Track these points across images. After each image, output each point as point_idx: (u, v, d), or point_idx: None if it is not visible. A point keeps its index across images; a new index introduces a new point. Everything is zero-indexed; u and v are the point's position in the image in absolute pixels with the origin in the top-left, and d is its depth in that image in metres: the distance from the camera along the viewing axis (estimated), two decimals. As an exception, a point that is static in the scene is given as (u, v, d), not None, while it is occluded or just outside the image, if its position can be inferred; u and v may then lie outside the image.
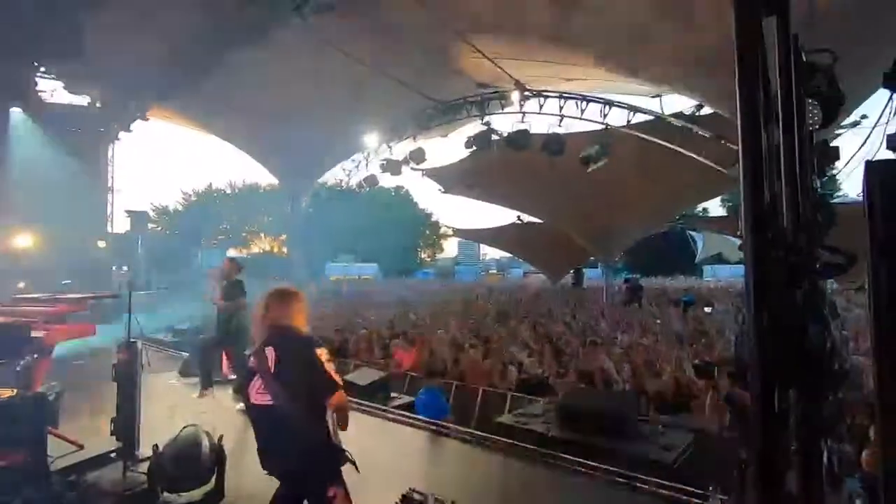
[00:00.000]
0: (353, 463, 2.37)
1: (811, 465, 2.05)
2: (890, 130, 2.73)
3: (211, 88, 12.24)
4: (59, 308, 3.98)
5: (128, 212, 15.41)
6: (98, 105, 13.60)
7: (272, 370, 2.28)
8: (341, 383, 2.31)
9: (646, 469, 3.81)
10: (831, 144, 3.05)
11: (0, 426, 2.91)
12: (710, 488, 3.15)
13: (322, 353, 2.31)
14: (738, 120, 1.76)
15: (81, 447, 3.58)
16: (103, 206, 14.11)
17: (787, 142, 2.13)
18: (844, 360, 3.53)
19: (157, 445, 3.07)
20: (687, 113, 11.69)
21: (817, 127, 2.61)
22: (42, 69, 11.58)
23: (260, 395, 2.30)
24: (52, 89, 13.19)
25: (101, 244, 12.07)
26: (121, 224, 16.02)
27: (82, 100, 13.71)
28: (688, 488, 3.46)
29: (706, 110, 11.03)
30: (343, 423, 2.38)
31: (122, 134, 14.26)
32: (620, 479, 3.72)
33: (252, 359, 2.39)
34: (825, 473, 2.43)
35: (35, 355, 3.57)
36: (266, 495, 2.52)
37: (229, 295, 6.11)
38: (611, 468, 3.82)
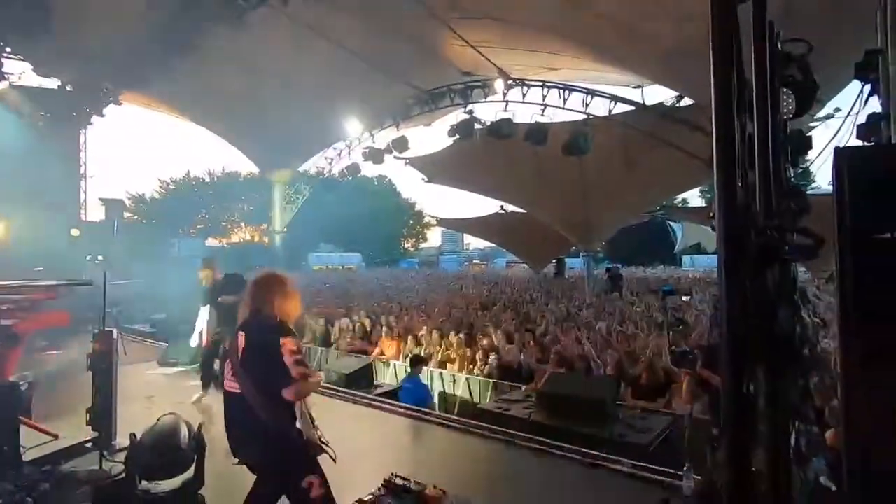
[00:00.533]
0: (329, 454, 2.34)
1: (778, 445, 2.13)
2: (861, 121, 2.81)
3: (187, 73, 11.93)
4: (30, 296, 3.87)
5: (102, 199, 14.95)
6: (69, 88, 13.13)
7: (240, 356, 2.25)
8: (301, 374, 2.18)
9: (623, 452, 3.90)
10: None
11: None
12: (685, 468, 3.24)
13: (287, 342, 2.20)
14: (711, 106, 1.79)
15: (56, 437, 3.52)
16: (76, 193, 13.70)
17: (761, 130, 2.17)
18: (814, 344, 3.66)
19: (134, 435, 3.02)
20: (668, 104, 11.83)
21: (791, 116, 2.67)
22: (8, 49, 11.12)
23: (230, 381, 2.27)
24: (20, 71, 12.69)
25: (75, 233, 11.71)
26: (95, 212, 15.59)
27: (52, 83, 13.22)
28: (663, 469, 3.55)
29: (686, 101, 11.17)
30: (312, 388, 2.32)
31: (94, 118, 13.81)
32: (599, 462, 3.81)
33: (227, 342, 2.36)
34: (793, 453, 2.52)
35: (6, 344, 3.48)
36: (247, 485, 2.52)
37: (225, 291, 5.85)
38: (589, 451, 3.91)
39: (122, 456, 3.26)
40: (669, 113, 11.25)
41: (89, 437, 3.65)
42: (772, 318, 1.33)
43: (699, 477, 3.29)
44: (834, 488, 2.62)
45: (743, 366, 1.38)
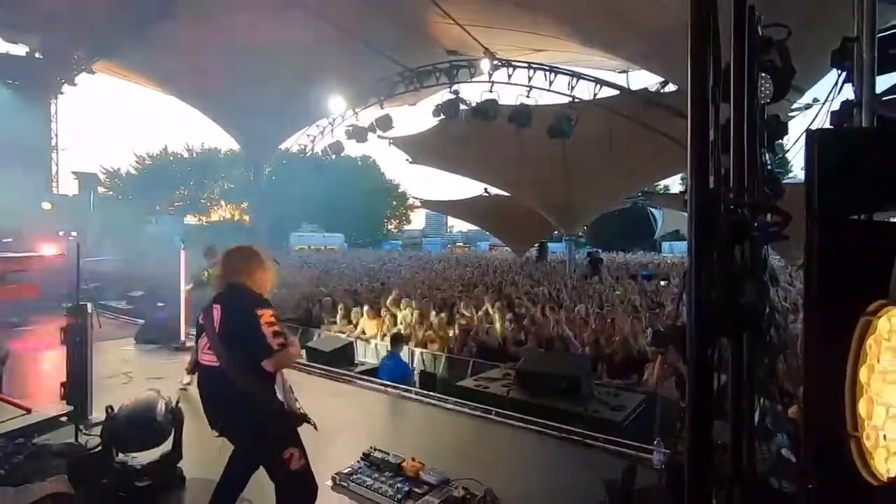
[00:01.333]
0: (311, 422, 2.35)
1: (742, 419, 2.22)
2: (835, 108, 2.88)
3: (163, 42, 11.53)
4: (2, 266, 3.77)
5: (75, 173, 14.51)
6: (38, 56, 12.58)
7: (217, 329, 2.22)
8: (280, 345, 2.18)
9: (597, 427, 4.02)
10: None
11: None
12: (655, 442, 3.35)
13: (265, 314, 2.18)
14: (687, 87, 1.81)
15: (28, 411, 3.47)
16: (48, 165, 13.25)
17: (737, 113, 2.21)
18: (782, 327, 3.80)
19: (111, 407, 3.00)
20: (652, 89, 11.90)
21: (768, 101, 2.72)
22: (-29, 13, 10.59)
23: (206, 354, 2.26)
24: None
25: (46, 206, 11.37)
26: (68, 186, 15.11)
27: (20, 49, 12.64)
28: (634, 443, 3.67)
29: (671, 87, 11.25)
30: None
31: (66, 88, 13.29)
32: (574, 437, 3.92)
33: (202, 315, 2.34)
34: (758, 427, 2.64)
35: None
36: (227, 458, 2.53)
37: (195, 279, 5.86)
38: (564, 426, 4.02)
39: (98, 430, 3.25)
40: (654, 98, 11.32)
41: (64, 412, 3.61)
42: (738, 292, 1.38)
43: (669, 451, 3.43)
44: (794, 460, 2.76)
45: (708, 337, 1.43)
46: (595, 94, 11.61)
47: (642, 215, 41.51)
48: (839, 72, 2.80)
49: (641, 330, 6.96)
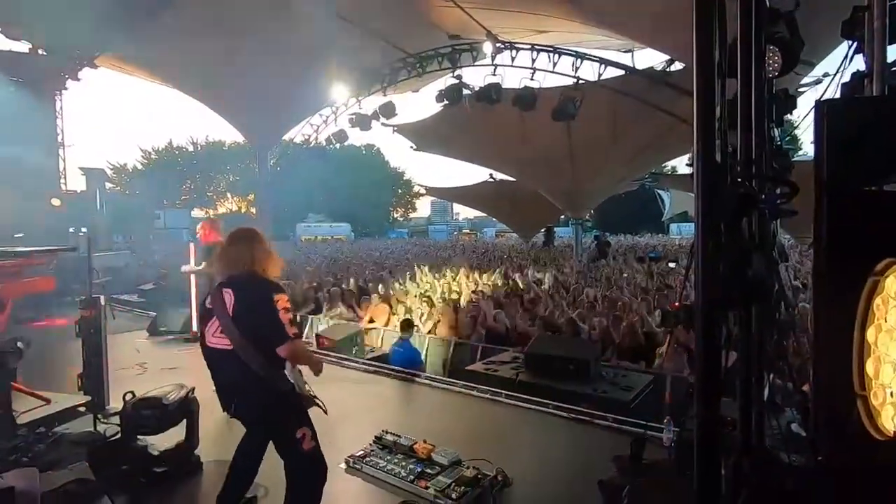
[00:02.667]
0: (320, 405, 2.38)
1: (750, 392, 2.23)
2: (846, 80, 2.82)
3: (163, 34, 11.48)
4: (14, 262, 3.83)
5: (83, 169, 14.57)
6: (41, 52, 12.58)
7: (230, 313, 2.23)
8: (294, 334, 2.23)
9: (606, 408, 4.05)
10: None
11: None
12: (665, 420, 3.37)
13: (281, 299, 2.21)
14: (693, 64, 1.78)
15: (48, 402, 3.54)
16: (55, 161, 13.33)
17: (744, 87, 2.18)
18: (792, 304, 3.77)
19: (131, 393, 3.09)
20: (658, 68, 11.70)
21: (776, 74, 2.67)
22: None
23: (217, 338, 2.27)
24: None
25: (56, 202, 11.46)
26: (76, 182, 15.22)
27: (23, 46, 12.64)
28: (644, 422, 3.69)
29: (677, 66, 11.05)
30: (313, 369, 2.39)
31: (70, 83, 13.30)
32: (583, 418, 3.96)
33: (209, 300, 2.34)
34: (767, 403, 2.64)
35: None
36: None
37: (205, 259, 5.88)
38: (573, 407, 4.05)
39: (115, 419, 3.33)
40: (660, 77, 11.14)
41: (82, 402, 3.69)
42: (746, 265, 1.37)
43: (678, 430, 3.45)
44: (804, 434, 2.77)
45: (715, 309, 1.43)
46: (600, 75, 11.44)
47: (649, 197, 41.17)
48: (850, 42, 2.75)
49: (650, 311, 6.96)
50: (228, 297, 2.26)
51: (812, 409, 1.51)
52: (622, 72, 11.47)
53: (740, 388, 2.09)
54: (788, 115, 3.25)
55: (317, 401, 2.35)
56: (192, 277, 6.33)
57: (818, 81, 9.60)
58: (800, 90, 9.62)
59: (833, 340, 1.22)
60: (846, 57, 2.75)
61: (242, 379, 2.21)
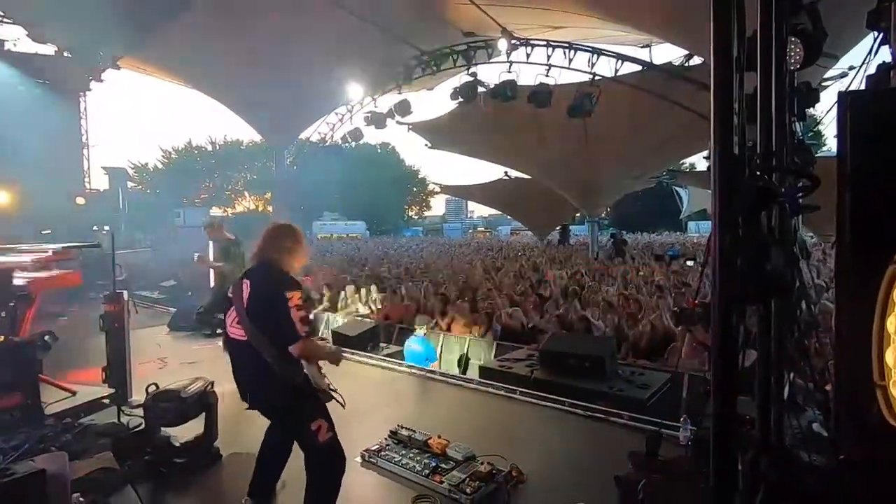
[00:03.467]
0: (338, 399, 2.40)
1: (768, 390, 2.19)
2: (870, 72, 2.75)
3: (182, 35, 11.68)
4: (43, 257, 3.95)
5: (105, 168, 14.93)
6: (66, 54, 12.91)
7: (245, 304, 2.27)
8: (306, 332, 2.21)
9: (622, 406, 4.01)
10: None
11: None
12: (682, 419, 3.34)
13: (294, 296, 2.21)
14: (710, 56, 1.75)
15: (73, 393, 3.65)
16: (79, 161, 13.68)
17: (764, 79, 2.14)
18: (814, 302, 3.68)
19: (155, 384, 3.18)
20: (676, 63, 11.53)
21: (798, 67, 2.61)
22: (1, 13, 10.91)
23: (235, 328, 2.31)
24: (14, 38, 12.44)
25: (80, 201, 11.77)
26: (98, 181, 15.60)
27: (48, 49, 12.99)
28: (661, 421, 3.66)
29: (696, 60, 10.88)
30: (331, 361, 2.40)
31: (93, 84, 13.63)
32: (598, 415, 3.93)
33: (231, 289, 2.39)
34: (787, 402, 2.60)
35: (20, 302, 3.58)
36: (261, 436, 2.65)
37: (223, 257, 5.98)
38: (589, 405, 4.02)
39: (138, 411, 3.42)
40: (678, 72, 10.98)
41: (106, 394, 3.79)
42: (764, 259, 1.35)
43: (695, 428, 3.41)
44: (825, 434, 2.71)
45: (733, 303, 1.41)
46: (616, 71, 11.32)
47: (667, 194, 40.56)
48: (875, 33, 2.67)
49: (667, 310, 6.88)
50: (246, 288, 2.31)
51: (833, 402, 1.48)
52: (639, 67, 11.32)
53: (759, 385, 2.05)
54: (811, 110, 3.18)
55: (334, 394, 2.38)
56: (212, 272, 6.45)
57: (843, 75, 9.35)
58: (823, 84, 9.39)
59: (855, 333, 1.20)
60: (872, 48, 2.69)
61: (256, 370, 2.24)
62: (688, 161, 35.09)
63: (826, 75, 9.02)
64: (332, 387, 2.40)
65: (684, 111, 11.08)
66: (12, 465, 1.72)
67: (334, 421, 2.41)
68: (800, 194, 1.76)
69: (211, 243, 6.29)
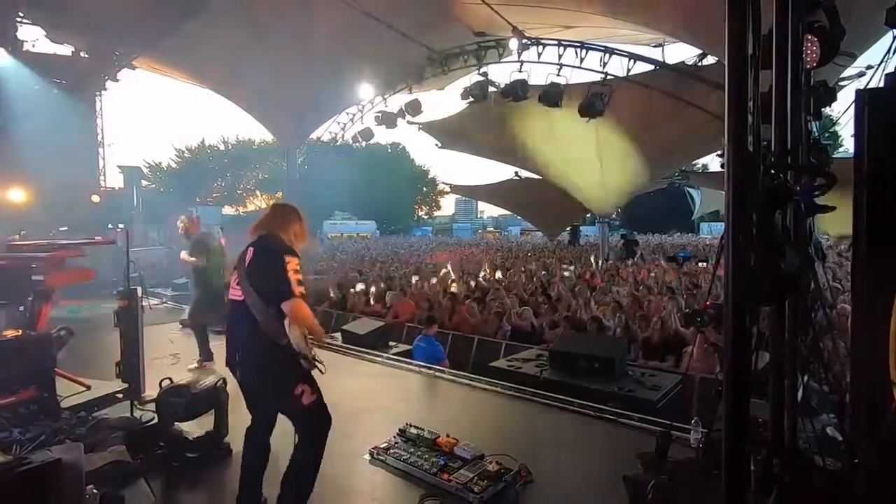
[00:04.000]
0: (319, 369, 2.46)
1: (782, 393, 2.16)
2: (889, 70, 2.70)
3: (197, 34, 11.81)
4: (58, 253, 4.01)
5: (121, 167, 15.12)
6: (83, 55, 13.10)
7: (246, 266, 2.44)
8: (301, 293, 2.34)
9: (632, 407, 3.99)
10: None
11: (9, 364, 3.01)
12: (693, 421, 3.30)
13: (292, 261, 2.37)
14: (725, 54, 1.72)
15: (88, 387, 3.70)
16: (95, 160, 13.87)
17: (780, 77, 2.11)
18: (829, 304, 3.62)
19: (169, 379, 3.23)
20: (689, 63, 11.42)
21: (814, 65, 2.57)
22: (20, 14, 11.10)
23: (234, 289, 2.47)
24: (33, 39, 12.65)
25: (96, 199, 11.94)
26: (114, 179, 15.79)
27: (66, 49, 13.19)
28: (671, 423, 3.62)
29: (710, 60, 10.76)
30: (313, 332, 2.46)
31: (109, 84, 13.82)
32: (608, 416, 3.90)
33: (237, 259, 2.54)
34: (801, 406, 2.56)
35: (37, 298, 3.64)
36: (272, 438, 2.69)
37: (198, 250, 5.64)
38: (598, 406, 4.00)
39: (151, 405, 3.47)
40: (691, 72, 10.87)
41: (119, 388, 3.84)
42: (779, 258, 1.33)
43: (707, 430, 3.37)
44: (840, 438, 2.67)
45: (746, 301, 1.40)
46: (629, 70, 11.23)
47: (679, 195, 40.12)
48: (895, 31, 2.62)
49: (677, 311, 6.81)
50: (249, 254, 2.48)
51: (849, 404, 1.46)
52: (651, 67, 11.23)
53: (772, 387, 2.03)
54: (827, 109, 3.13)
55: (315, 361, 2.43)
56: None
57: (861, 74, 9.17)
58: (841, 83, 9.22)
59: (872, 334, 1.18)
60: (891, 46, 2.63)
61: (247, 330, 2.38)
62: (700, 162, 34.72)
63: (843, 74, 8.87)
64: (315, 355, 2.44)
65: (697, 110, 10.97)
66: (29, 454, 1.75)
67: (342, 419, 2.50)
68: (815, 193, 1.73)
69: (223, 241, 6.30)
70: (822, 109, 2.85)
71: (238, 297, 2.43)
